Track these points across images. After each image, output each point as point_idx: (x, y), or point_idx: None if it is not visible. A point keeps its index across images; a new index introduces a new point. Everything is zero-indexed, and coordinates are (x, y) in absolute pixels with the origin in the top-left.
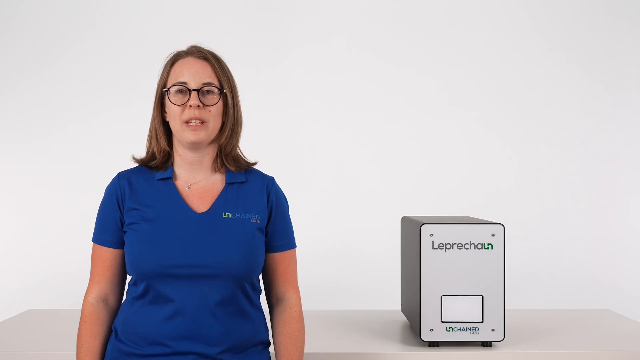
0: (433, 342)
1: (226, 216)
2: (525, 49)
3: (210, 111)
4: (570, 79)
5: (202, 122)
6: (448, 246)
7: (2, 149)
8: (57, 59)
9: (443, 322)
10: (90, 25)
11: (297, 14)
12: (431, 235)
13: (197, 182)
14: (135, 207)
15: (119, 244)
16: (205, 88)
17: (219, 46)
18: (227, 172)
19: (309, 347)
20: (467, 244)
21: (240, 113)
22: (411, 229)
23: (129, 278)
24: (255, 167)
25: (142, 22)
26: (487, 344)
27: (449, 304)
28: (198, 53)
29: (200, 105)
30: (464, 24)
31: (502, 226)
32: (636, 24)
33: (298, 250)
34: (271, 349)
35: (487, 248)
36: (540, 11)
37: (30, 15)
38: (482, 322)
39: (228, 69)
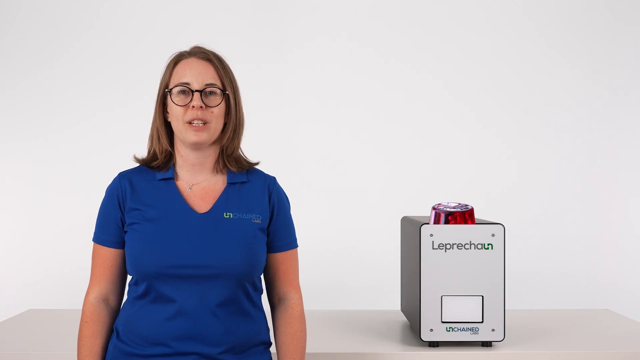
0: (433, 342)
1: (227, 216)
2: (525, 49)
3: (212, 112)
4: (570, 79)
5: (204, 123)
6: (448, 246)
7: (2, 149)
8: (57, 58)
9: (443, 322)
10: (90, 25)
11: (297, 14)
12: (431, 235)
13: (199, 183)
14: (136, 207)
15: (120, 244)
16: (208, 89)
17: (220, 46)
18: (229, 173)
19: (309, 347)
20: (467, 244)
21: (243, 114)
22: (411, 229)
23: (129, 278)
24: (256, 167)
25: (142, 22)
26: (487, 344)
27: (449, 304)
28: (201, 54)
29: (203, 106)
30: (465, 25)
31: (502, 226)
32: (636, 23)
33: (298, 250)
34: (272, 349)
35: (487, 248)
36: (546, 14)
37: (30, 15)
38: (482, 322)
39: (231, 70)
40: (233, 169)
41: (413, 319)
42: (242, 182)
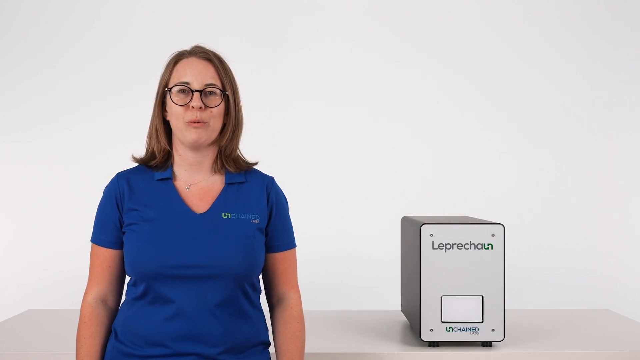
0: (433, 342)
1: (226, 217)
2: (525, 50)
3: (211, 112)
4: (570, 79)
5: (204, 123)
6: (448, 246)
7: (2, 149)
8: (57, 59)
9: (443, 322)
10: (90, 25)
11: (297, 14)
12: (431, 235)
13: (197, 183)
14: (134, 208)
15: (118, 245)
16: (208, 89)
17: (220, 46)
18: (227, 173)
19: (309, 347)
20: (467, 244)
21: (242, 115)
22: (411, 229)
23: (128, 279)
24: (255, 167)
25: (142, 22)
26: (487, 344)
27: (449, 304)
28: (201, 54)
29: (202, 106)
30: (465, 26)
31: (502, 226)
32: (636, 23)
33: (298, 250)
34: (271, 349)
35: (487, 248)
36: (546, 15)
37: (30, 15)
38: (482, 322)
39: (231, 70)
40: (231, 169)
41: (413, 319)
42: (240, 183)
